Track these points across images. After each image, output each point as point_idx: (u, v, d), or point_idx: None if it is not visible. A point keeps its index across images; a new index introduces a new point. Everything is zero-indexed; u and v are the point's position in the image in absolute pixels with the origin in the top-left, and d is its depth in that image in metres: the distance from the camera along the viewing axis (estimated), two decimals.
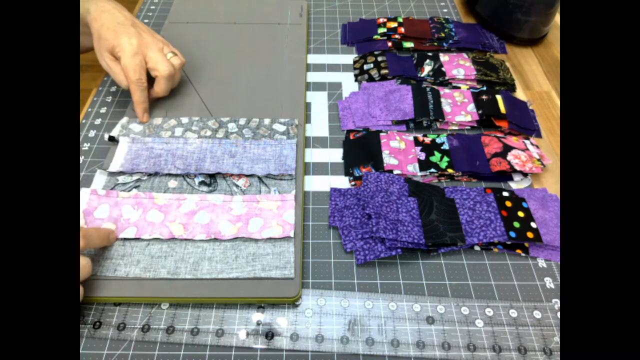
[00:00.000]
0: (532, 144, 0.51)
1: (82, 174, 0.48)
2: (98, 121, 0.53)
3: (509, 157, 0.48)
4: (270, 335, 0.36)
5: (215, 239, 0.41)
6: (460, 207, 0.43)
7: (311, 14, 0.71)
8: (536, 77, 0.63)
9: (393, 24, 0.67)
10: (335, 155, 0.51)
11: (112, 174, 0.46)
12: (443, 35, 0.65)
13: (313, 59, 0.63)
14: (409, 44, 0.64)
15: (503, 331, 0.37)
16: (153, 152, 0.47)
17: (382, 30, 0.66)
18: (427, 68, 0.59)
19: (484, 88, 0.57)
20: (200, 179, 0.46)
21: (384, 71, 0.59)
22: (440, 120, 0.53)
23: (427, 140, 0.50)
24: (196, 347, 0.36)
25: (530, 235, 0.41)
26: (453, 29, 0.66)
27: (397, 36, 0.65)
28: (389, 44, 0.64)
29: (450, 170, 0.47)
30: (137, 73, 0.48)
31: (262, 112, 0.53)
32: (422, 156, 0.49)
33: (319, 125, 0.54)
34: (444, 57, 0.60)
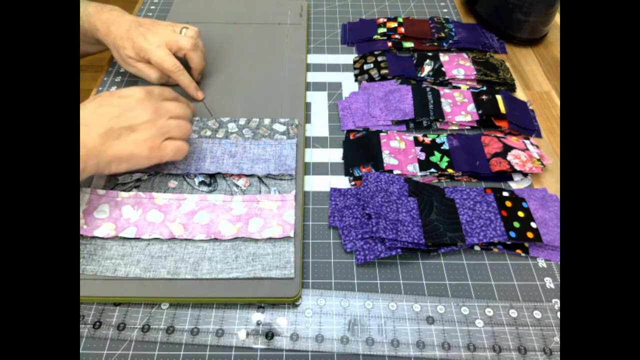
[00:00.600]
0: (532, 144, 0.51)
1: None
2: None
3: (509, 157, 0.48)
4: (270, 335, 0.36)
5: (215, 239, 0.41)
6: (460, 207, 0.43)
7: (311, 14, 0.71)
8: (536, 77, 0.63)
9: (393, 24, 0.67)
10: (335, 155, 0.51)
11: (112, 174, 0.46)
12: (443, 35, 0.65)
13: (313, 59, 0.63)
14: (409, 44, 0.64)
15: (503, 331, 0.37)
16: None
17: (382, 30, 0.66)
18: (427, 68, 0.59)
19: (484, 88, 0.57)
20: (200, 179, 0.46)
21: (384, 71, 0.59)
22: (440, 120, 0.53)
23: (427, 140, 0.50)
24: (196, 347, 0.36)
25: (530, 235, 0.41)
26: (453, 29, 0.66)
27: (397, 36, 0.65)
28: (389, 44, 0.64)
29: (450, 170, 0.47)
30: (171, 61, 0.51)
31: (262, 112, 0.53)
32: (422, 156, 0.49)
33: (319, 125, 0.54)
34: (444, 57, 0.60)
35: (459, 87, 0.57)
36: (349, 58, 0.63)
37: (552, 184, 0.48)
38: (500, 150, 0.48)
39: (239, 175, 0.46)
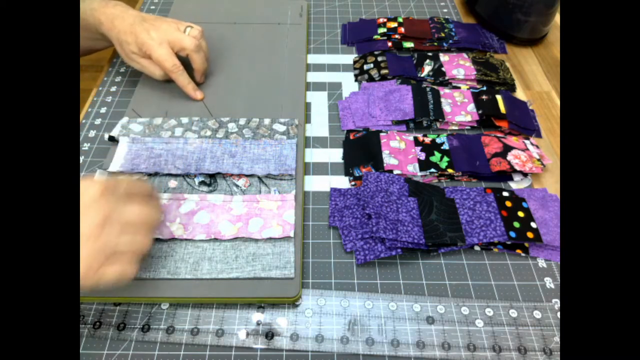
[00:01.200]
0: (532, 144, 0.51)
1: (82, 174, 0.48)
2: (98, 121, 0.53)
3: (509, 157, 0.48)
4: (270, 335, 0.36)
5: (215, 239, 0.41)
6: (460, 207, 0.43)
7: (311, 14, 0.71)
8: (536, 77, 0.63)
9: (393, 24, 0.67)
10: (335, 155, 0.51)
11: (112, 174, 0.46)
12: (443, 35, 0.65)
13: (313, 59, 0.63)
14: (409, 44, 0.64)
15: (503, 331, 0.37)
16: (153, 152, 0.47)
17: (382, 30, 0.66)
18: (427, 68, 0.59)
19: (484, 88, 0.57)
20: (200, 179, 0.46)
21: (384, 71, 0.59)
22: (440, 120, 0.53)
23: (427, 140, 0.50)
24: (196, 347, 0.36)
25: (530, 235, 0.41)
26: (453, 29, 0.66)
27: (397, 36, 0.65)
28: (389, 44, 0.64)
29: (450, 170, 0.47)
30: (171, 60, 0.51)
31: (262, 112, 0.53)
32: (422, 156, 0.49)
33: (319, 125, 0.54)
34: (444, 57, 0.60)
35: (459, 87, 0.57)
36: (349, 58, 0.63)
37: (552, 184, 0.48)
38: (500, 150, 0.48)
39: (239, 175, 0.46)
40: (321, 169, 0.49)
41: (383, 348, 0.36)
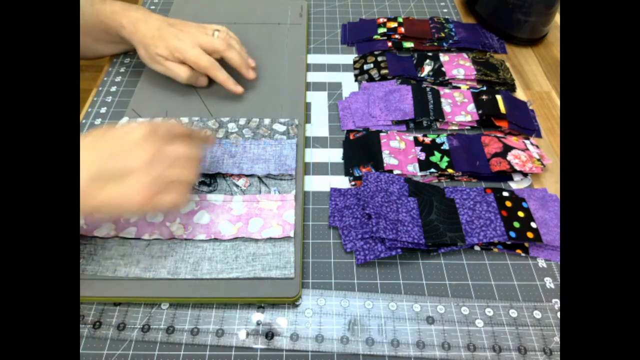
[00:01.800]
0: (532, 144, 0.51)
1: None
2: (98, 121, 0.53)
3: (509, 157, 0.48)
4: (270, 335, 0.36)
5: (215, 239, 0.41)
6: (460, 207, 0.43)
7: (311, 14, 0.71)
8: (536, 77, 0.63)
9: (393, 24, 0.67)
10: (335, 155, 0.51)
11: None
12: (443, 35, 0.65)
13: (313, 59, 0.63)
14: (409, 44, 0.64)
15: (503, 331, 0.37)
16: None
17: (382, 30, 0.66)
18: (427, 68, 0.59)
19: (484, 88, 0.57)
20: (200, 179, 0.46)
21: (384, 71, 0.59)
22: (440, 120, 0.53)
23: (427, 140, 0.50)
24: (196, 347, 0.36)
25: (530, 235, 0.41)
26: (453, 29, 0.66)
27: (397, 36, 0.65)
28: (389, 44, 0.64)
29: (450, 170, 0.47)
30: (206, 59, 0.51)
31: (262, 112, 0.53)
32: (422, 156, 0.49)
33: (319, 125, 0.54)
34: (444, 57, 0.60)
35: (459, 87, 0.57)
36: (349, 58, 0.63)
37: (552, 184, 0.48)
38: (500, 150, 0.48)
39: (239, 175, 0.46)
40: (321, 169, 0.49)
41: (383, 348, 0.36)
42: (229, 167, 0.46)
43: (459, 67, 0.59)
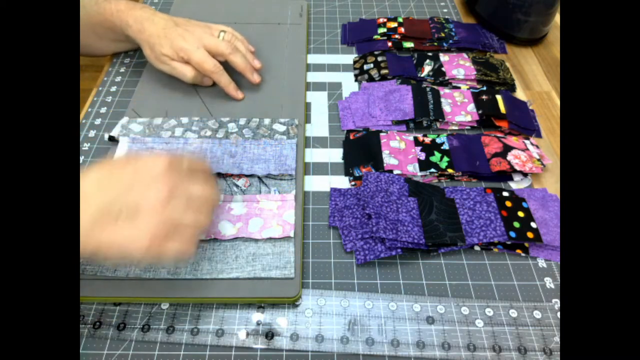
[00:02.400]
0: (532, 144, 0.51)
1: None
2: (98, 121, 0.53)
3: (509, 157, 0.48)
4: (270, 335, 0.36)
5: (215, 239, 0.41)
6: (460, 207, 0.43)
7: (311, 14, 0.71)
8: (536, 77, 0.63)
9: (393, 24, 0.67)
10: (335, 155, 0.51)
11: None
12: (443, 35, 0.65)
13: (313, 59, 0.63)
14: (409, 44, 0.64)
15: (503, 331, 0.37)
16: (153, 152, 0.47)
17: (382, 30, 0.66)
18: (427, 68, 0.59)
19: (484, 88, 0.57)
20: None
21: (384, 71, 0.59)
22: (440, 120, 0.53)
23: (427, 140, 0.50)
24: (196, 347, 0.36)
25: (530, 235, 0.41)
26: (453, 29, 0.66)
27: (397, 36, 0.65)
28: (389, 44, 0.64)
29: (450, 170, 0.47)
30: (211, 62, 0.51)
31: (262, 112, 0.53)
32: (422, 156, 0.49)
33: (319, 125, 0.54)
34: (444, 57, 0.60)
35: (459, 87, 0.57)
36: (349, 58, 0.63)
37: (552, 184, 0.48)
38: (500, 150, 0.48)
39: (239, 175, 0.46)
40: (321, 169, 0.49)
41: (383, 348, 0.36)
42: (229, 167, 0.46)
43: (459, 67, 0.59)
